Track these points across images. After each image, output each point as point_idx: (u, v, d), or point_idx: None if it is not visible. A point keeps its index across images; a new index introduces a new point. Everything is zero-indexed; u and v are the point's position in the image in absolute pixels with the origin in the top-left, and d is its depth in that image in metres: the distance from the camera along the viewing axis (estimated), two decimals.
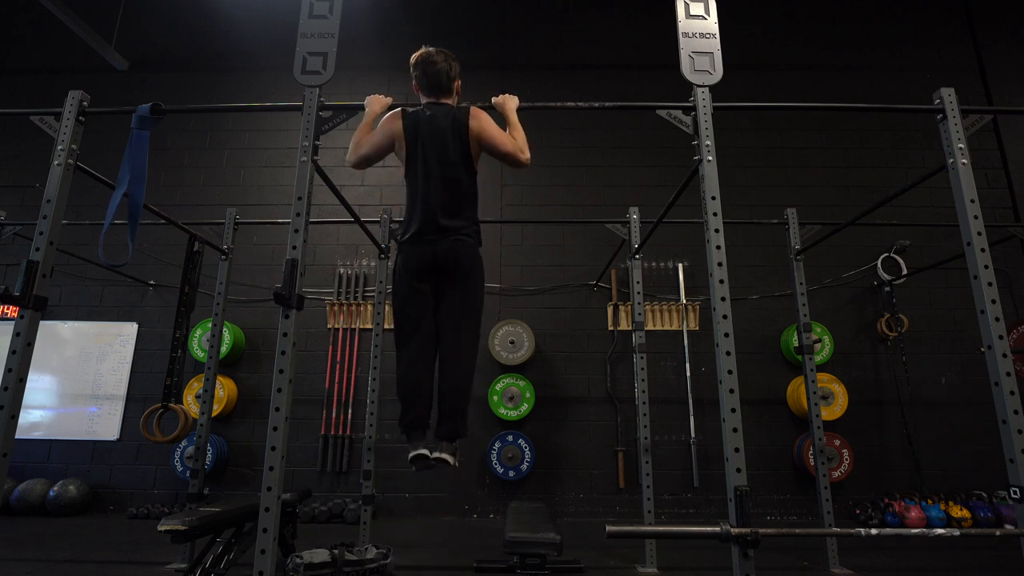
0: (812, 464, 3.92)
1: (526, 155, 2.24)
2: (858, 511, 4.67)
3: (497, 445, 4.90)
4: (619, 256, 4.54)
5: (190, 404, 4.88)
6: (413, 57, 2.32)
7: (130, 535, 4.03)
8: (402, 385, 2.20)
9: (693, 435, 4.98)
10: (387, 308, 4.12)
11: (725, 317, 1.92)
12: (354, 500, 4.70)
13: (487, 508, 4.92)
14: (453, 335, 2.21)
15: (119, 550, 3.61)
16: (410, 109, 2.28)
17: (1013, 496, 1.90)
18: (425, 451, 2.07)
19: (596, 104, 2.46)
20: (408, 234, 2.21)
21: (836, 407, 4.88)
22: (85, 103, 2.44)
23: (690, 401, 5.07)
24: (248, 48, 6.11)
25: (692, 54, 2.25)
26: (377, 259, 3.74)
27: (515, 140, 2.25)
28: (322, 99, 2.25)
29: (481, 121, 2.25)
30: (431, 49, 2.30)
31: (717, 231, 2.01)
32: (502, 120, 2.35)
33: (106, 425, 5.14)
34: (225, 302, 3.56)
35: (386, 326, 3.54)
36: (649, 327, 5.21)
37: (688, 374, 5.11)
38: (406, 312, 2.23)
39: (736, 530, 1.68)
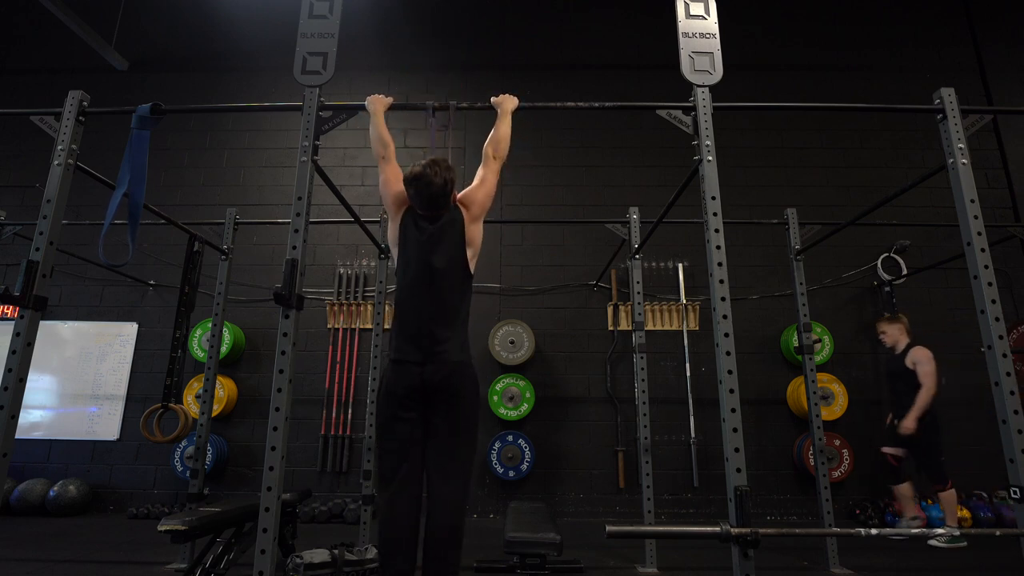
0: (812, 464, 3.92)
1: (499, 153, 2.28)
2: (858, 511, 4.67)
3: (497, 445, 4.90)
4: (619, 256, 4.54)
5: (190, 404, 4.88)
6: (407, 173, 2.13)
7: (130, 535, 4.03)
8: (385, 528, 1.98)
9: (693, 435, 4.98)
10: (387, 308, 4.12)
11: (725, 317, 1.92)
12: (354, 500, 4.70)
13: (487, 508, 4.92)
14: (444, 472, 2.01)
15: (119, 550, 3.61)
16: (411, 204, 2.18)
17: (1013, 496, 1.90)
18: None
19: (596, 104, 2.46)
20: (396, 354, 2.07)
21: (836, 407, 4.88)
22: (85, 103, 2.44)
23: (690, 401, 5.07)
24: (248, 48, 6.11)
25: (692, 54, 2.25)
26: (377, 259, 3.74)
27: (491, 138, 2.27)
28: (322, 99, 2.25)
29: (464, 201, 2.23)
30: (424, 168, 2.09)
31: (717, 231, 2.01)
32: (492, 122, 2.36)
33: (106, 425, 5.14)
34: (225, 302, 3.55)
35: (386, 326, 3.54)
36: (649, 327, 5.21)
37: (688, 374, 5.11)
38: (390, 445, 2.03)
39: (736, 530, 1.68)
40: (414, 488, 2.02)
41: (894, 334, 4.18)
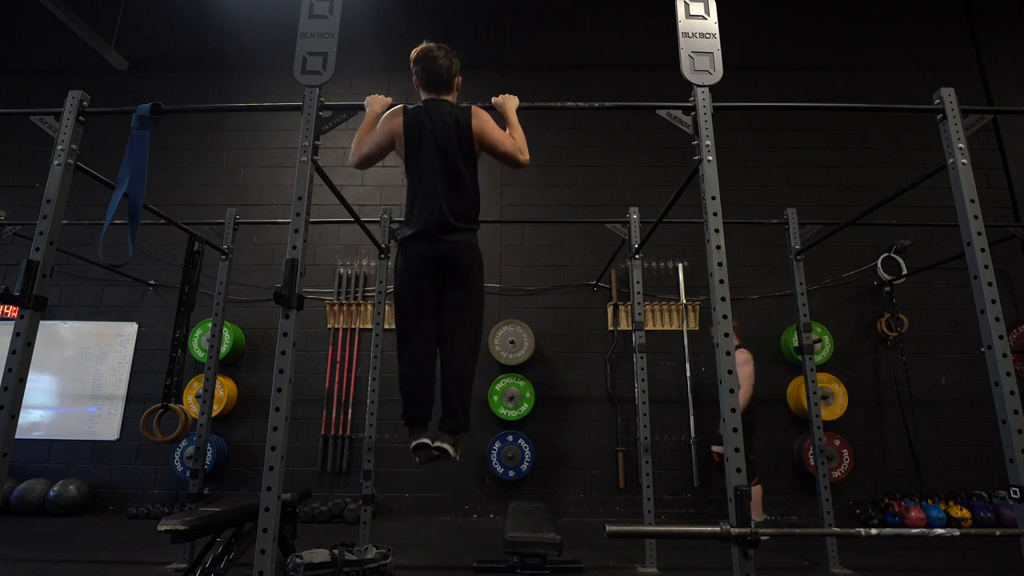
0: (812, 464, 3.92)
1: (526, 156, 2.25)
2: (858, 511, 4.67)
3: (497, 445, 4.90)
4: (619, 256, 4.54)
5: (190, 404, 4.88)
6: (413, 52, 2.29)
7: (130, 535, 4.03)
8: (404, 382, 2.21)
9: (693, 435, 4.98)
10: (387, 308, 4.12)
11: (725, 317, 1.92)
12: (354, 500, 4.70)
13: (487, 508, 4.92)
14: (455, 333, 2.21)
15: (119, 550, 3.61)
16: (410, 106, 2.26)
17: (1013, 496, 1.90)
18: (427, 440, 2.09)
19: (596, 104, 2.46)
20: (409, 233, 2.20)
21: (836, 407, 4.88)
22: (85, 103, 2.44)
23: (690, 401, 5.07)
24: (248, 48, 6.11)
25: (692, 54, 2.25)
26: (377, 259, 3.74)
27: (515, 141, 2.25)
28: (322, 99, 2.25)
29: (482, 121, 2.24)
30: (432, 44, 2.28)
31: (717, 231, 2.01)
32: (501, 120, 2.34)
33: (106, 425, 5.14)
34: (225, 302, 3.55)
35: (386, 326, 3.55)
36: (649, 327, 5.21)
37: (688, 374, 5.11)
38: (407, 310, 2.22)
39: (736, 530, 1.68)
40: (429, 349, 2.22)
41: None
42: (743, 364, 4.05)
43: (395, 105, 2.40)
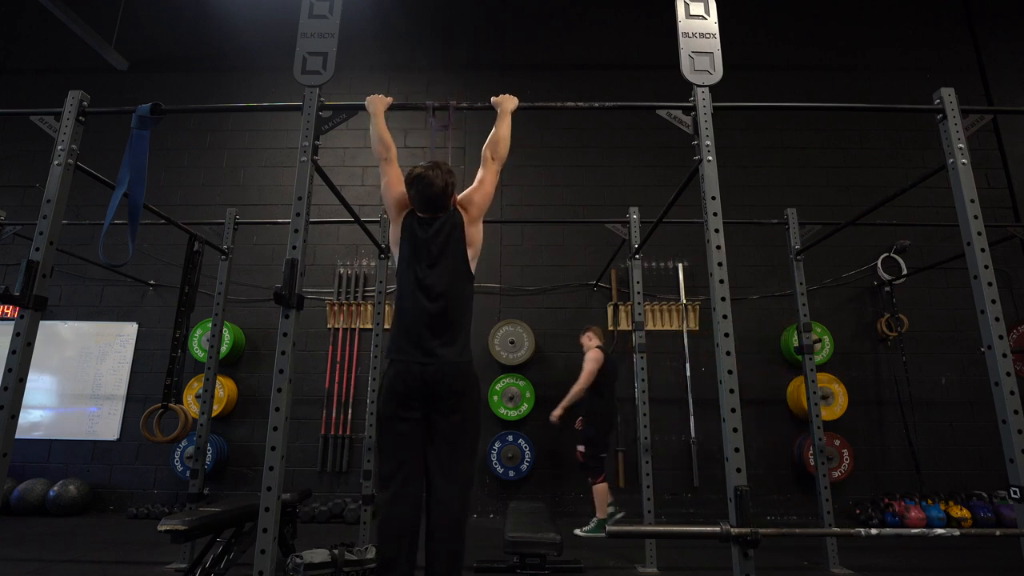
0: (812, 464, 3.92)
1: (498, 154, 2.27)
2: (858, 511, 4.67)
3: (497, 445, 4.90)
4: (619, 256, 4.54)
5: (190, 404, 4.88)
6: (408, 174, 2.16)
7: (130, 535, 4.04)
8: (385, 529, 1.95)
9: (693, 435, 4.98)
10: (387, 308, 4.12)
11: (725, 317, 1.92)
12: (354, 500, 4.70)
13: (487, 508, 4.92)
14: (446, 472, 1.99)
15: (119, 550, 3.61)
16: (414, 214, 2.19)
17: (1013, 496, 1.90)
18: None
19: (596, 104, 2.46)
20: (396, 354, 2.05)
21: (836, 407, 4.88)
22: (85, 103, 2.44)
23: (690, 401, 5.07)
24: (248, 48, 6.11)
25: (692, 54, 2.25)
26: (377, 259, 3.74)
27: (490, 139, 2.26)
28: (322, 99, 2.25)
29: (465, 204, 2.23)
30: (425, 169, 2.12)
31: (717, 231, 2.01)
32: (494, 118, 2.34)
33: (106, 425, 5.14)
34: (225, 302, 3.55)
35: (386, 326, 3.54)
36: (649, 327, 5.21)
37: (688, 374, 5.11)
38: (391, 445, 2.01)
39: (736, 530, 1.68)
40: (415, 489, 1.99)
41: (583, 340, 4.39)
42: (587, 361, 4.18)
43: (395, 106, 2.41)
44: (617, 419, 4.10)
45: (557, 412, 4.18)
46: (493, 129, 2.33)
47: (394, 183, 2.25)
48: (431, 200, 2.13)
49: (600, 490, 4.11)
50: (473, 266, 2.20)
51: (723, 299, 1.94)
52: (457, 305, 2.12)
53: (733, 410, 1.82)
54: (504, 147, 2.32)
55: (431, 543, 1.95)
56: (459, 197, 2.26)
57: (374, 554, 2.79)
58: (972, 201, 2.17)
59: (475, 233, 2.21)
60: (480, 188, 2.25)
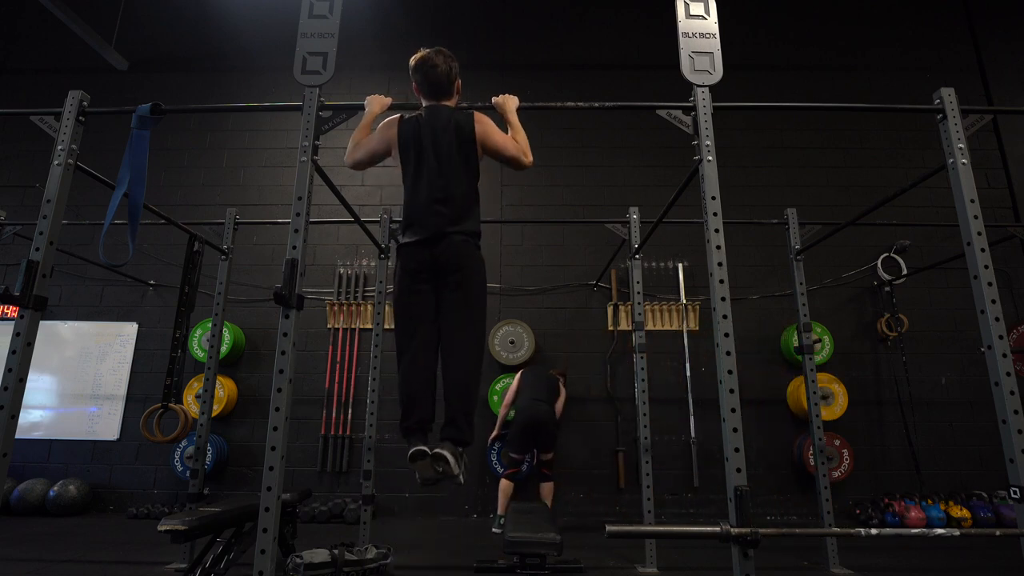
0: (812, 464, 3.92)
1: (529, 158, 2.23)
2: (858, 511, 4.67)
3: (497, 445, 4.90)
4: (619, 256, 4.54)
5: (190, 404, 4.88)
6: (412, 60, 2.26)
7: (130, 535, 4.04)
8: (403, 388, 2.12)
9: (693, 435, 4.98)
10: (387, 308, 4.12)
11: (725, 317, 1.92)
12: (354, 500, 4.70)
13: (487, 508, 4.92)
14: (456, 337, 2.12)
15: (119, 550, 3.61)
16: (408, 115, 2.25)
17: (1013, 496, 1.90)
18: (424, 447, 1.97)
19: (596, 104, 2.46)
20: (406, 236, 2.16)
21: (836, 407, 4.88)
22: (85, 103, 2.44)
23: (690, 401, 5.07)
24: (248, 48, 6.11)
25: (692, 54, 2.25)
26: (377, 259, 3.74)
27: (517, 143, 2.23)
28: (322, 99, 2.25)
29: (486, 126, 2.23)
30: (430, 51, 2.24)
31: (717, 231, 2.01)
32: (501, 121, 2.34)
33: (106, 425, 5.14)
34: (225, 302, 3.55)
35: (386, 326, 3.54)
36: (649, 327, 5.21)
37: (688, 374, 5.11)
38: (406, 314, 2.15)
39: (736, 530, 1.68)
40: (429, 355, 2.13)
41: None
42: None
43: (395, 106, 2.41)
44: (532, 423, 4.23)
45: (495, 432, 4.71)
46: (513, 139, 2.24)
47: (368, 140, 2.25)
48: (436, 82, 2.23)
49: (503, 486, 4.30)
50: (479, 164, 2.24)
51: (723, 299, 1.94)
52: (464, 189, 2.18)
53: (733, 410, 1.82)
54: (529, 151, 2.27)
55: (448, 394, 2.09)
56: (483, 129, 2.23)
57: (374, 554, 2.79)
58: (972, 201, 2.17)
59: (486, 142, 2.21)
60: (505, 143, 2.22)
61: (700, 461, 4.94)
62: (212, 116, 5.89)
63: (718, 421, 1.85)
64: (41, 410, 5.17)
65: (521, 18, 6.20)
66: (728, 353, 1.88)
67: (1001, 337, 2.01)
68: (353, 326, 5.32)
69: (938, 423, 5.05)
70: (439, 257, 2.12)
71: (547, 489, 4.30)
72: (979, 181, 2.98)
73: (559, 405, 4.54)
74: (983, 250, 2.10)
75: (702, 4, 2.32)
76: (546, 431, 4.25)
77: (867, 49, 6.07)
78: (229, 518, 2.53)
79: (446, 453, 1.95)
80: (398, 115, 2.27)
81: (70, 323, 5.38)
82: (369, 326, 5.23)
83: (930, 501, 4.51)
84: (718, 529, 1.69)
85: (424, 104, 2.29)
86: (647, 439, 3.33)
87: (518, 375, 4.59)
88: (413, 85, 2.32)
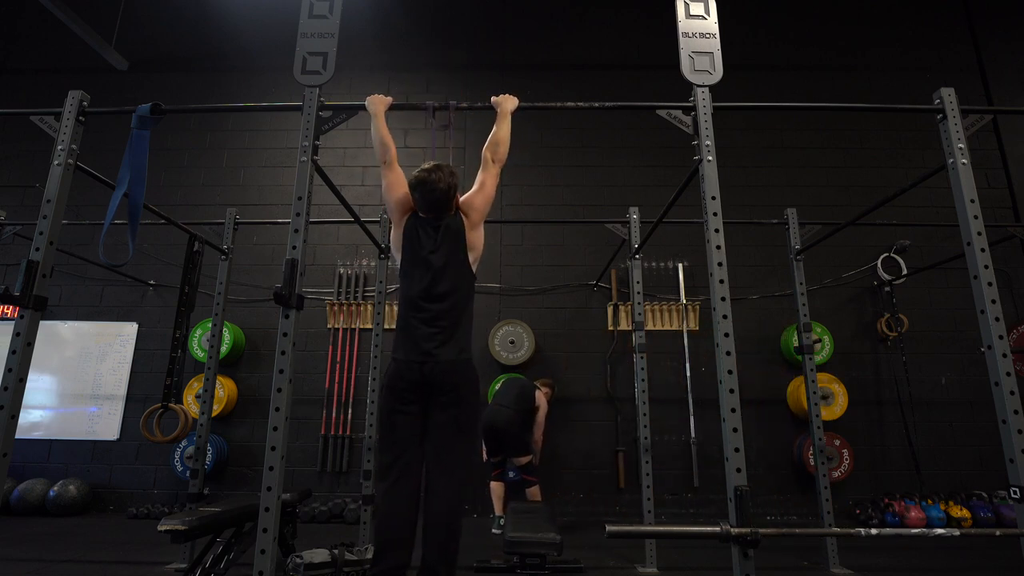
0: (812, 464, 3.92)
1: (498, 155, 2.30)
2: (858, 511, 4.67)
3: None
4: (619, 256, 4.54)
5: (190, 404, 4.88)
6: (411, 178, 2.21)
7: (130, 535, 4.03)
8: (381, 521, 2.01)
9: (693, 435, 4.98)
10: (387, 308, 4.12)
11: (725, 317, 1.92)
12: (354, 500, 4.70)
13: (487, 508, 4.91)
14: (443, 468, 2.04)
15: (119, 550, 3.61)
16: (416, 216, 2.25)
17: (1013, 496, 1.90)
18: None
19: (596, 104, 2.46)
20: (397, 350, 2.13)
21: (836, 407, 4.88)
22: (85, 103, 2.44)
23: (690, 401, 5.07)
24: (248, 48, 6.11)
25: (692, 54, 2.25)
26: (377, 259, 3.74)
27: (489, 146, 2.28)
28: (322, 99, 2.25)
29: (465, 205, 2.27)
30: (428, 172, 2.17)
31: (717, 231, 2.01)
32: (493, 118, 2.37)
33: (106, 425, 5.14)
34: (225, 302, 3.55)
35: (386, 326, 3.55)
36: (649, 327, 5.21)
37: (688, 374, 5.11)
38: (390, 435, 2.08)
39: (736, 530, 1.68)
40: (413, 482, 2.05)
41: None
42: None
43: (395, 106, 2.41)
44: (489, 426, 4.22)
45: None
46: (493, 130, 2.33)
47: (395, 185, 2.27)
48: (435, 204, 2.18)
49: (496, 488, 4.31)
50: (475, 268, 2.23)
51: (723, 299, 1.94)
52: (457, 306, 2.15)
53: (733, 410, 1.82)
54: (504, 148, 2.32)
55: (427, 532, 2.00)
56: (460, 201, 2.27)
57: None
58: (972, 201, 2.17)
59: (476, 237, 2.24)
60: (481, 191, 2.27)
61: (700, 461, 4.94)
62: (212, 116, 5.89)
63: (718, 421, 1.85)
64: (41, 410, 5.17)
65: (521, 18, 6.20)
66: (728, 353, 1.88)
67: (1001, 337, 2.01)
68: (353, 326, 5.32)
69: (938, 423, 5.05)
70: (429, 375, 2.06)
71: (531, 493, 4.24)
72: (979, 181, 2.98)
73: (539, 416, 4.42)
74: (983, 250, 2.10)
75: (702, 4, 2.32)
76: (507, 435, 4.19)
77: (867, 49, 6.07)
78: (229, 518, 2.53)
79: None
80: (410, 179, 2.22)
81: (70, 323, 5.38)
82: (369, 326, 5.23)
83: (930, 501, 4.51)
84: (718, 529, 1.69)
85: (422, 216, 2.26)
86: (647, 439, 3.33)
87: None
88: (409, 199, 2.27)
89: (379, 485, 2.06)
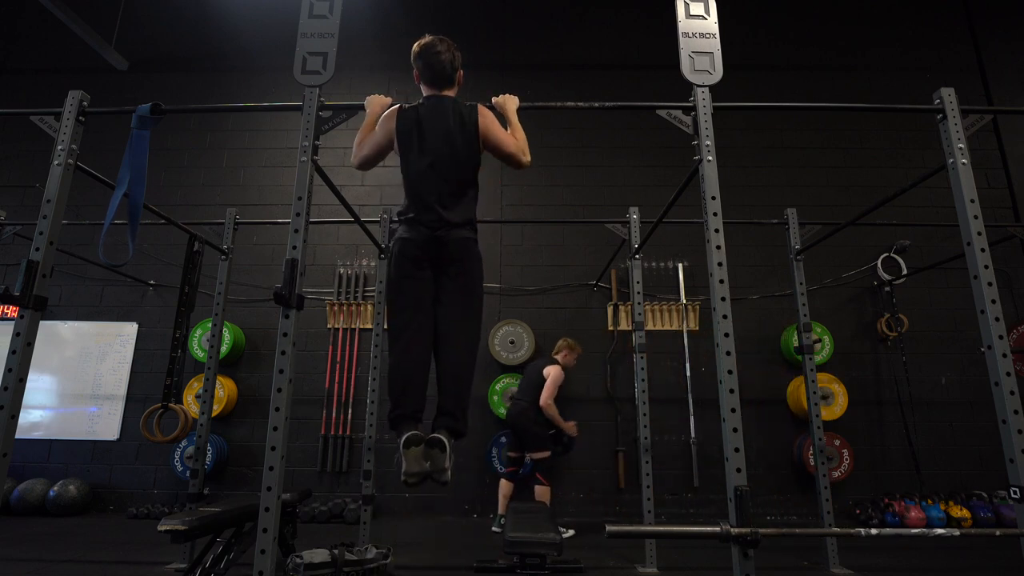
0: (812, 464, 3.92)
1: (527, 157, 2.21)
2: (858, 511, 4.67)
3: (498, 444, 4.90)
4: (619, 256, 4.54)
5: (190, 404, 4.88)
6: (415, 47, 2.22)
7: (130, 535, 4.04)
8: (394, 376, 2.06)
9: (693, 435, 4.98)
10: (388, 308, 4.12)
11: (725, 317, 1.92)
12: (354, 500, 4.70)
13: (487, 508, 4.92)
14: (455, 327, 2.09)
15: (119, 550, 3.61)
16: (408, 105, 2.22)
17: (1013, 496, 1.90)
18: (419, 432, 1.90)
19: (596, 104, 2.46)
20: (406, 226, 2.13)
21: (836, 407, 4.88)
22: (85, 103, 2.44)
23: (690, 401, 5.07)
24: (248, 48, 6.11)
25: (692, 54, 2.25)
26: (377, 259, 3.74)
27: (517, 142, 2.21)
28: (322, 99, 2.25)
29: (488, 120, 2.21)
30: (433, 39, 2.21)
31: (717, 231, 2.01)
32: (502, 119, 2.33)
33: (106, 425, 5.14)
34: (225, 302, 3.55)
35: (386, 326, 3.54)
36: (649, 327, 5.21)
37: (688, 374, 5.11)
38: (402, 299, 2.11)
39: (736, 530, 1.68)
40: (423, 342, 2.09)
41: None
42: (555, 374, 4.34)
43: (394, 104, 2.40)
44: (509, 422, 4.32)
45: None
46: (514, 138, 2.23)
47: (372, 135, 2.20)
48: (439, 69, 2.20)
49: (543, 493, 4.22)
50: (480, 157, 2.21)
51: (723, 299, 1.94)
52: (466, 184, 2.17)
53: (733, 410, 1.82)
54: (527, 151, 2.26)
55: (443, 383, 2.07)
56: (485, 123, 2.20)
57: (374, 554, 2.79)
58: (972, 201, 2.17)
59: (488, 136, 2.19)
60: (506, 139, 2.20)
61: (700, 461, 4.94)
62: (212, 116, 5.89)
63: (718, 421, 1.85)
64: (41, 410, 5.17)
65: (521, 18, 6.20)
66: (728, 353, 1.88)
67: (1001, 337, 2.01)
68: (353, 326, 5.32)
69: (938, 423, 5.05)
70: (441, 248, 2.09)
71: (538, 493, 4.21)
72: (979, 181, 2.98)
73: (544, 392, 4.23)
74: (983, 250, 2.10)
75: (702, 4, 2.32)
76: (522, 429, 4.23)
77: (867, 49, 6.07)
78: (229, 518, 2.53)
79: (443, 438, 1.90)
80: (397, 105, 2.23)
81: (70, 323, 5.38)
82: (369, 326, 5.23)
83: (930, 501, 4.51)
84: (718, 529, 1.69)
85: (425, 93, 2.26)
86: (647, 439, 3.33)
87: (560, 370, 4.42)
88: (414, 72, 2.28)
89: (392, 347, 2.09)
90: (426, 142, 2.14)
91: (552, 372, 4.32)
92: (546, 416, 4.25)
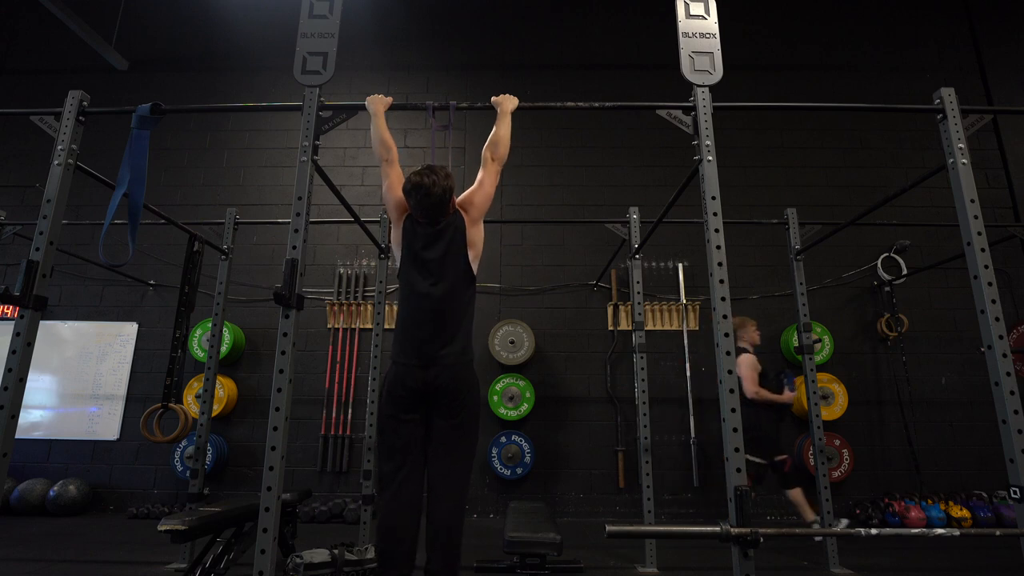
0: (812, 464, 3.92)
1: (498, 156, 2.29)
2: (858, 511, 4.67)
3: (498, 444, 4.90)
4: (619, 256, 4.54)
5: (190, 404, 4.88)
6: (406, 183, 2.17)
7: (130, 535, 4.03)
8: (385, 525, 2.01)
9: (693, 435, 4.98)
10: (387, 308, 4.12)
11: (725, 317, 1.92)
12: (354, 500, 4.70)
13: (487, 508, 4.92)
14: (445, 474, 2.04)
15: (119, 550, 3.61)
16: (411, 216, 2.22)
17: (1013, 496, 1.90)
18: None
19: (596, 104, 2.46)
20: (398, 355, 2.11)
21: (836, 407, 4.88)
22: (85, 103, 2.44)
23: (690, 401, 5.07)
24: (248, 48, 6.11)
25: (692, 54, 2.25)
26: (377, 259, 3.74)
27: (492, 144, 2.28)
28: (322, 99, 2.25)
29: (464, 202, 2.26)
30: (423, 174, 2.13)
31: (717, 231, 2.01)
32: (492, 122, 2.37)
33: (106, 425, 5.14)
34: (225, 302, 3.55)
35: (386, 326, 3.55)
36: (649, 327, 5.21)
37: (688, 374, 5.11)
38: (391, 446, 2.07)
39: (736, 530, 1.68)
40: (415, 489, 2.04)
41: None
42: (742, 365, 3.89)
43: (395, 106, 2.40)
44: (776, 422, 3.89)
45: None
46: (493, 130, 2.33)
47: (395, 186, 2.26)
48: (431, 208, 2.15)
49: (798, 496, 3.89)
50: (475, 267, 2.21)
51: (723, 299, 1.94)
52: (458, 308, 2.13)
53: (733, 410, 1.82)
54: (504, 147, 2.32)
55: (431, 537, 2.00)
56: (459, 199, 2.27)
57: (374, 554, 2.79)
58: (972, 201, 2.17)
59: (476, 234, 2.22)
60: (480, 189, 2.26)
61: (700, 461, 4.94)
62: (212, 116, 5.89)
63: (718, 421, 1.85)
64: (41, 410, 5.17)
65: (521, 18, 6.20)
66: (728, 353, 1.88)
67: (1001, 337, 2.01)
68: (353, 326, 5.32)
69: (938, 423, 5.05)
70: (430, 381, 2.05)
71: (792, 495, 3.88)
72: (979, 181, 2.98)
73: (744, 384, 3.78)
74: (983, 250, 2.10)
75: (702, 4, 2.32)
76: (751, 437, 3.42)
77: (867, 49, 6.07)
78: (229, 518, 2.53)
79: None
80: (405, 184, 2.18)
81: (70, 323, 5.38)
82: (369, 326, 5.23)
83: (930, 501, 4.51)
84: (718, 529, 1.69)
85: (420, 222, 2.23)
86: (647, 439, 3.33)
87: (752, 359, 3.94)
88: (408, 208, 2.24)
89: (381, 493, 2.05)
90: (422, 264, 2.14)
91: (740, 362, 3.81)
92: (760, 404, 3.82)
